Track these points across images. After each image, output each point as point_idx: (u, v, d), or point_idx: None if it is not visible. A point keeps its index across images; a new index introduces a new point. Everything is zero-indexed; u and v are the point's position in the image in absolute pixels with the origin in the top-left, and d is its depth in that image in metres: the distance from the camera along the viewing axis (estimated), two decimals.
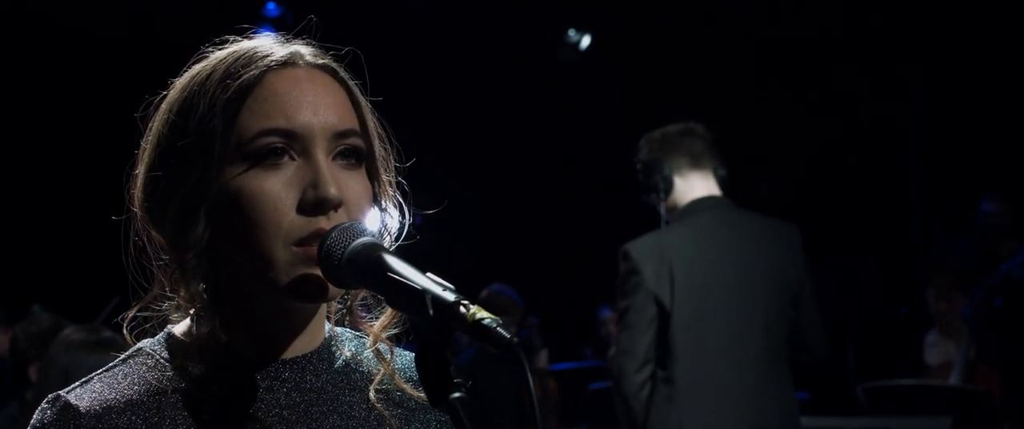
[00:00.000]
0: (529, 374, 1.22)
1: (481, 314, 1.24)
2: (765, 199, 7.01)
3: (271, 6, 9.11)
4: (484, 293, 7.65)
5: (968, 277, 6.66)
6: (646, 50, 9.84)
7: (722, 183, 4.49)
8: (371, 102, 1.58)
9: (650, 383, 4.29)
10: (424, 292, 1.29)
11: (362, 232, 1.40)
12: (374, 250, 1.37)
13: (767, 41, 9.49)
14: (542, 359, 7.95)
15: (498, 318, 1.24)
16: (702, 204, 4.42)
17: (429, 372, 1.31)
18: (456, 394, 1.28)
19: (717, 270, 4.32)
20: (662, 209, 4.52)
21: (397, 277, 1.32)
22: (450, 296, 1.28)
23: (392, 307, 1.51)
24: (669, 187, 4.44)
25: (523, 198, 11.23)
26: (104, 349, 3.54)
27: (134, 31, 8.23)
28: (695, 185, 4.45)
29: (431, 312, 1.27)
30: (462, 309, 1.26)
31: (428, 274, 1.32)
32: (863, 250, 9.16)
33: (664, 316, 4.27)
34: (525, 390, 1.46)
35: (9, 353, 4.97)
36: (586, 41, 10.21)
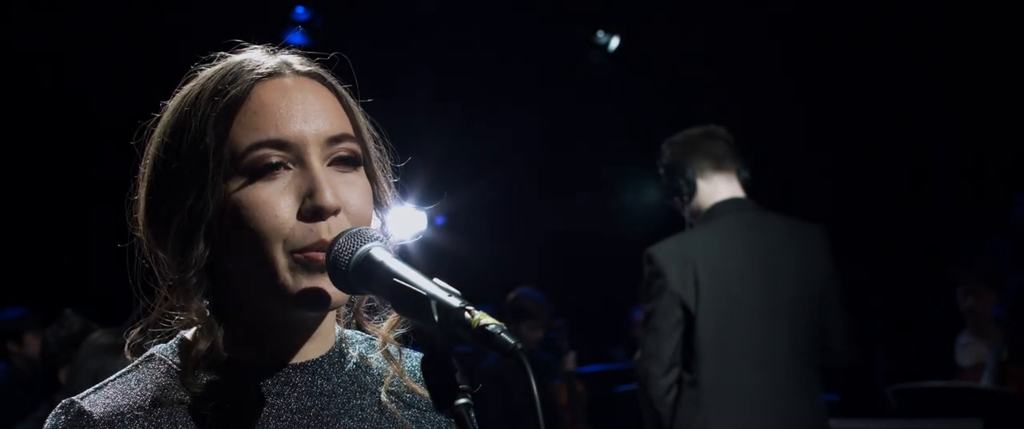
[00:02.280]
0: (533, 379, 1.22)
1: (486, 320, 1.25)
2: (794, 198, 6.98)
3: (300, 10, 9.14)
4: (512, 296, 7.65)
5: (997, 275, 6.58)
6: (676, 51, 9.82)
7: (746, 185, 4.47)
8: (363, 105, 1.59)
9: (676, 387, 4.27)
10: (429, 297, 1.29)
11: (369, 238, 1.41)
12: (380, 256, 1.38)
13: (796, 41, 9.45)
14: (570, 361, 7.93)
15: (502, 324, 1.25)
16: (726, 206, 4.40)
17: (434, 378, 1.31)
18: (461, 400, 1.29)
19: (742, 272, 4.29)
20: (686, 212, 4.51)
21: (403, 283, 1.33)
22: (455, 301, 1.28)
23: (398, 312, 1.51)
24: (693, 190, 4.42)
25: (553, 200, 11.22)
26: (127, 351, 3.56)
27: (165, 39, 8.28)
28: (719, 187, 4.43)
29: (436, 318, 1.28)
30: (467, 315, 1.26)
31: (434, 279, 1.33)
32: (894, 251, 9.10)
33: (689, 319, 4.25)
34: (529, 395, 1.46)
35: (39, 356, 5.02)
36: (615, 43, 10.19)
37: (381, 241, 1.41)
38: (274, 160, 1.44)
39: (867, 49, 9.38)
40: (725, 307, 4.25)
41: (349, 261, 1.39)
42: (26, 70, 8.68)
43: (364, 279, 1.38)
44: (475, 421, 1.30)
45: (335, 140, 1.48)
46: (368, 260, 1.38)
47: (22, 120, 8.92)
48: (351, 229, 1.42)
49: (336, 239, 1.41)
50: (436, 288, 1.31)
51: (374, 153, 1.57)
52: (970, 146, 9.24)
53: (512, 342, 1.23)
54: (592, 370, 8.54)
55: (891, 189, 9.62)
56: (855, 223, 8.93)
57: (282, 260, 1.43)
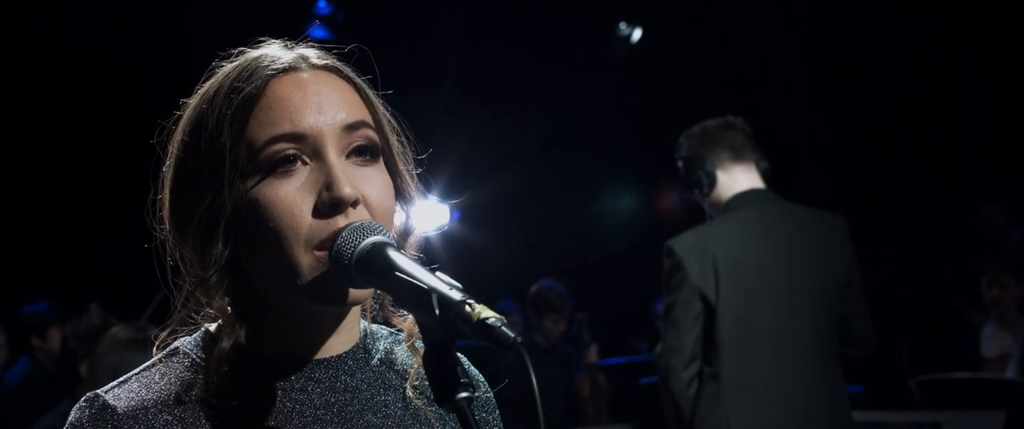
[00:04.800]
0: (533, 373, 1.22)
1: (486, 313, 1.24)
2: (814, 189, 6.95)
3: (322, 4, 9.16)
4: (534, 289, 7.65)
5: (1023, 265, 6.55)
6: (694, 42, 9.80)
7: (765, 176, 4.44)
8: (382, 97, 1.58)
9: (697, 380, 4.25)
10: (431, 291, 1.29)
11: (373, 231, 1.40)
12: (383, 249, 1.37)
13: (818, 29, 9.40)
14: (592, 354, 7.93)
15: (502, 317, 1.24)
16: (746, 197, 4.37)
17: (437, 372, 1.31)
18: (462, 394, 1.29)
19: (762, 264, 4.26)
20: (705, 204, 4.48)
21: (404, 276, 1.32)
22: (457, 295, 1.27)
23: (400, 306, 1.52)
24: (712, 182, 4.39)
25: (575, 191, 11.21)
26: (151, 347, 3.57)
27: (188, 35, 8.32)
28: (738, 178, 4.40)
29: (437, 311, 1.27)
30: (467, 308, 1.25)
31: (437, 273, 1.32)
32: (918, 241, 9.04)
33: (709, 312, 4.22)
34: (528, 389, 1.46)
35: (60, 351, 5.05)
36: (637, 34, 10.18)
37: (385, 235, 1.40)
38: (290, 153, 1.44)
39: (893, 38, 9.32)
40: (745, 299, 4.23)
41: (352, 254, 1.38)
42: (55, 61, 8.74)
43: (367, 273, 1.37)
44: (475, 416, 1.29)
45: (352, 128, 1.47)
46: (370, 254, 1.37)
47: (49, 113, 8.99)
48: (355, 222, 1.41)
49: (339, 233, 1.40)
50: (437, 281, 1.30)
51: (395, 146, 1.56)
52: (999, 137, 9.18)
53: (511, 336, 1.22)
54: (615, 362, 8.52)
55: (917, 179, 9.56)
56: (879, 213, 8.89)
57: (305, 258, 1.42)
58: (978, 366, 6.65)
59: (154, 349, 1.55)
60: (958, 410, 5.31)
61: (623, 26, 10.14)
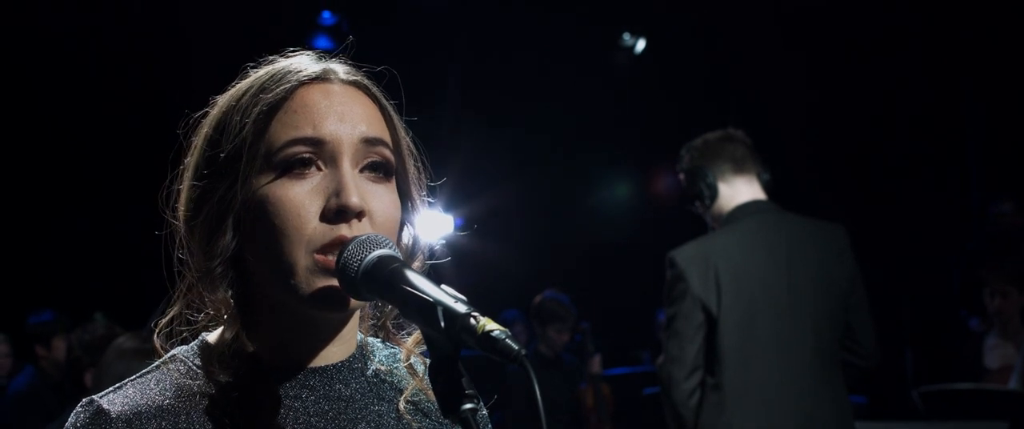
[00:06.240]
0: (536, 385, 1.23)
1: (491, 326, 1.26)
2: (816, 198, 6.95)
3: (326, 14, 9.20)
4: (537, 299, 7.66)
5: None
6: (698, 51, 9.81)
7: (766, 187, 4.46)
8: (406, 121, 1.61)
9: (699, 390, 4.26)
10: (436, 304, 1.30)
11: (379, 244, 1.42)
12: (390, 263, 1.39)
13: (821, 39, 9.41)
14: (596, 364, 7.93)
15: (507, 330, 1.26)
16: (748, 209, 4.39)
17: (442, 384, 1.32)
18: (467, 406, 1.30)
19: (764, 275, 4.27)
20: (707, 216, 4.50)
21: (410, 290, 1.34)
22: (462, 308, 1.29)
23: (406, 318, 1.53)
24: (714, 194, 4.41)
25: (579, 203, 11.20)
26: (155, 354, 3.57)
27: (194, 43, 8.34)
28: (740, 190, 4.42)
29: (442, 324, 1.29)
30: (472, 321, 1.27)
31: (442, 287, 1.34)
32: (922, 251, 9.04)
33: (711, 322, 4.24)
34: (532, 401, 1.48)
35: (65, 360, 5.05)
36: (641, 45, 10.20)
37: (391, 248, 1.42)
38: (306, 156, 1.47)
39: (897, 45, 9.33)
40: (747, 310, 4.24)
41: (358, 267, 1.40)
42: (60, 72, 8.76)
43: (373, 285, 1.39)
44: (480, 427, 1.30)
45: (370, 143, 1.50)
46: (376, 267, 1.39)
47: (56, 120, 9.00)
48: (361, 235, 1.43)
49: (346, 245, 1.42)
50: (443, 294, 1.32)
51: (411, 170, 1.59)
52: (1002, 146, 9.18)
53: (515, 348, 1.24)
54: (618, 372, 8.53)
55: (921, 189, 9.56)
56: (881, 223, 8.88)
57: (303, 260, 1.44)
58: (981, 376, 6.64)
59: (156, 339, 1.57)
60: (961, 421, 5.31)
61: (627, 37, 10.17)
